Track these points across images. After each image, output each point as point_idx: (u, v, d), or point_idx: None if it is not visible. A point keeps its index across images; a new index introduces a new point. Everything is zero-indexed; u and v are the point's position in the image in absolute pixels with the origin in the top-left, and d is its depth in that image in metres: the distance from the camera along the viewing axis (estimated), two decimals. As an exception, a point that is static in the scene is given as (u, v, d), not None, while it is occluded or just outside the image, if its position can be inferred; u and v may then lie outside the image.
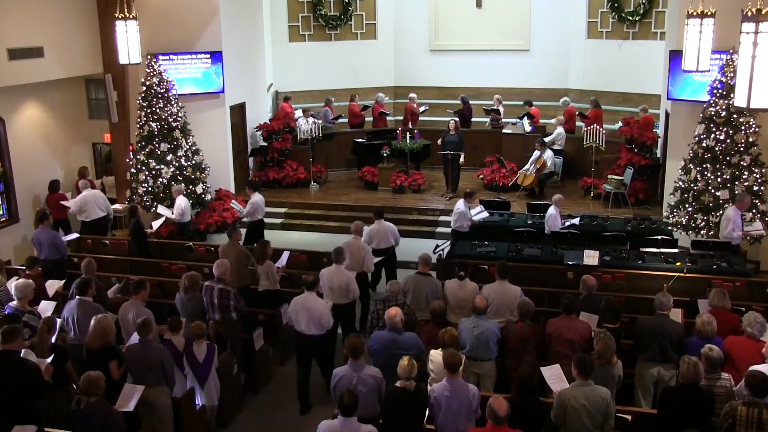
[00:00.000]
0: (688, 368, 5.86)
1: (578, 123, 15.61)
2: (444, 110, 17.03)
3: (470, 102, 16.82)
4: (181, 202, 12.07)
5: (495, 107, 16.45)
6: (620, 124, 14.50)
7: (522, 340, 7.13)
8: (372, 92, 17.91)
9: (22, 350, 6.55)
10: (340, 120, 17.06)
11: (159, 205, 12.45)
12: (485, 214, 11.46)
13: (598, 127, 13.81)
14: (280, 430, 7.91)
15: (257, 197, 12.05)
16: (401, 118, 17.03)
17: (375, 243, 10.41)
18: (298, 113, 16.28)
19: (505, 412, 5.31)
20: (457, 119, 15.45)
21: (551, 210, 11.01)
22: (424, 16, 18.39)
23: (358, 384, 6.14)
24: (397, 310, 6.94)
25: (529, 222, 11.60)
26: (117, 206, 13.45)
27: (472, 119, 16.78)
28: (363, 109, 16.95)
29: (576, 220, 11.18)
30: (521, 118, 15.75)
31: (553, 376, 6.48)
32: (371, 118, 17.09)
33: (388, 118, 17.06)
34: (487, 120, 16.63)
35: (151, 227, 11.98)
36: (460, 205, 11.23)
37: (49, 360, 6.73)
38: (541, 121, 15.98)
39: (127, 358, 6.90)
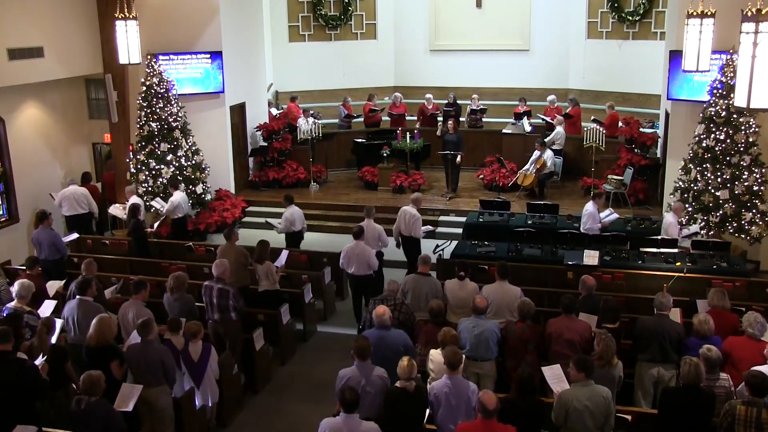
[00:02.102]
0: (690, 369, 5.86)
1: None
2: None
3: (459, 102, 16.93)
4: (132, 202, 12.08)
5: (481, 107, 16.51)
6: (593, 119, 14.62)
7: (522, 340, 7.13)
8: (372, 92, 17.91)
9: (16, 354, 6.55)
10: (357, 119, 17.06)
11: (113, 206, 12.55)
12: (615, 216, 11.09)
13: (598, 127, 13.80)
14: (280, 429, 7.91)
15: (178, 195, 12.18)
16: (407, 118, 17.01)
17: (297, 226, 11.28)
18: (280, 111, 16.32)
19: (494, 406, 5.31)
20: (451, 119, 15.46)
21: (670, 218, 10.50)
22: (424, 16, 18.39)
23: (367, 385, 6.13)
24: (385, 309, 6.96)
25: (529, 222, 11.59)
26: (117, 206, 13.45)
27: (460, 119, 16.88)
28: (370, 111, 16.91)
29: (697, 227, 10.75)
30: (520, 118, 15.76)
31: (554, 376, 6.47)
32: (387, 119, 17.10)
33: (407, 118, 16.91)
34: (464, 119, 16.76)
35: (152, 227, 11.99)
36: (588, 206, 10.87)
37: (41, 359, 6.73)
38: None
39: (128, 358, 6.90)
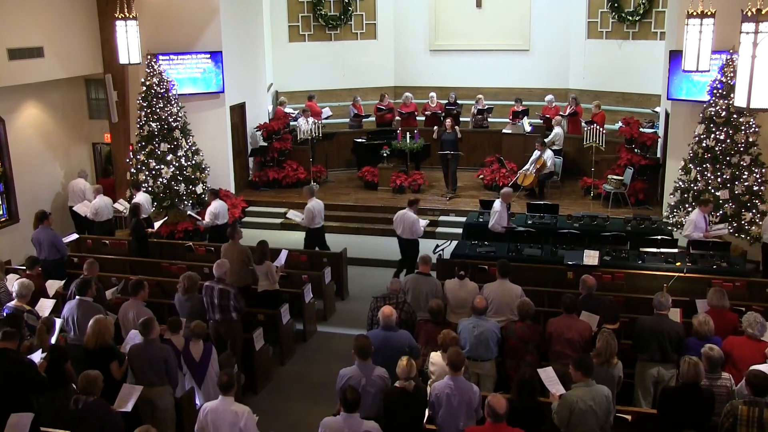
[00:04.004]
0: (689, 368, 5.86)
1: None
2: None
3: (460, 102, 16.99)
4: (98, 201, 12.22)
5: (487, 107, 16.52)
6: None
7: (522, 340, 7.13)
8: (372, 92, 17.95)
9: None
10: (366, 119, 17.06)
11: (79, 204, 12.75)
12: (724, 231, 10.52)
13: (598, 127, 13.82)
14: (280, 429, 7.89)
15: (141, 197, 12.26)
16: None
17: (220, 220, 11.77)
18: (298, 113, 16.29)
19: (503, 410, 5.31)
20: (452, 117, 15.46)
21: None
22: (424, 16, 18.39)
23: (367, 385, 6.13)
24: (392, 310, 6.94)
25: (529, 222, 11.58)
26: (117, 206, 13.45)
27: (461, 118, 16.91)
28: (378, 110, 16.92)
29: None
30: (521, 118, 15.77)
31: (548, 378, 6.48)
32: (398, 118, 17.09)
33: (418, 118, 16.91)
34: (468, 119, 16.79)
35: (152, 227, 12.00)
36: (693, 214, 10.39)
37: (42, 356, 6.74)
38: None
39: (130, 358, 6.90)
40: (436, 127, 15.63)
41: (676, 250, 10.05)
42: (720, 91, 10.92)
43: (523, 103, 16.33)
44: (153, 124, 12.85)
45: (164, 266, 10.75)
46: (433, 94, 17.05)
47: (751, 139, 10.86)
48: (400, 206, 14.03)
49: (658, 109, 15.22)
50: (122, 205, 12.60)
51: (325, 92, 17.78)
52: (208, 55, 13.89)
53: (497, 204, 11.04)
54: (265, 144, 15.57)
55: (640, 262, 9.84)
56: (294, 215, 11.85)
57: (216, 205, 11.72)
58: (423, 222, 11.02)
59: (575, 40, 17.26)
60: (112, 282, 9.75)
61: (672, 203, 11.56)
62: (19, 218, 12.56)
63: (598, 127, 13.86)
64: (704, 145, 11.05)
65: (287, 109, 16.60)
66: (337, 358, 8.95)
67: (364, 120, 17.12)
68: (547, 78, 17.49)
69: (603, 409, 5.86)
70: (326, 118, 16.69)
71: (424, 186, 15.00)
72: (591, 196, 14.26)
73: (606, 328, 7.05)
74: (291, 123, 16.07)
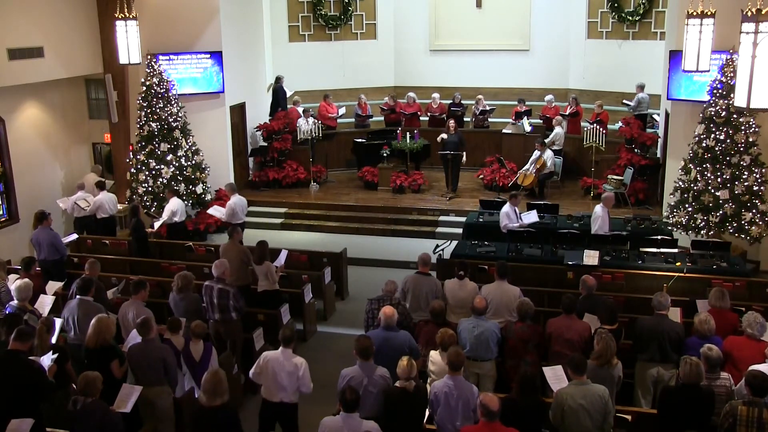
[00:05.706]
0: (690, 369, 5.86)
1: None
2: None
3: (464, 102, 16.96)
4: (78, 196, 12.36)
5: (488, 108, 16.51)
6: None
7: (522, 340, 7.13)
8: (372, 92, 17.93)
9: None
10: (371, 119, 17.08)
11: (60, 199, 12.84)
12: None
13: (598, 127, 13.82)
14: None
15: (102, 195, 12.33)
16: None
17: (178, 217, 12.10)
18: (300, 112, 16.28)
19: (496, 408, 5.32)
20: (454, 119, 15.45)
21: None
22: (424, 16, 18.39)
23: (369, 385, 6.14)
24: (393, 310, 6.95)
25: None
26: (79, 203, 13.38)
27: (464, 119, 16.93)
28: (381, 111, 16.93)
29: None
30: (521, 118, 15.77)
31: (555, 376, 6.47)
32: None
33: (421, 118, 16.94)
34: (469, 119, 16.81)
35: (152, 227, 12.01)
36: None
37: (52, 357, 6.74)
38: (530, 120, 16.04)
39: (130, 358, 6.90)
40: (440, 137, 15.35)
41: (676, 250, 10.06)
42: (720, 91, 10.91)
43: (527, 103, 16.32)
44: (153, 124, 12.85)
45: (164, 266, 10.76)
46: (435, 95, 17.03)
47: (751, 139, 10.85)
48: (400, 206, 14.17)
49: (626, 101, 15.25)
50: (85, 203, 12.57)
51: (325, 92, 17.76)
52: (208, 55, 13.89)
53: (598, 209, 10.73)
54: (265, 144, 15.57)
55: (640, 262, 9.85)
56: (215, 210, 12.20)
57: (175, 203, 11.96)
58: (525, 217, 11.03)
59: (575, 40, 17.25)
60: (113, 282, 9.75)
61: (672, 203, 11.56)
62: (19, 218, 12.57)
63: (599, 126, 13.86)
64: (704, 145, 11.04)
65: (299, 109, 16.57)
66: (337, 358, 8.95)
67: (369, 120, 17.10)
68: (547, 78, 17.48)
69: (597, 408, 5.84)
70: (339, 117, 16.72)
71: (424, 186, 14.99)
72: (591, 196, 14.25)
73: (603, 328, 7.05)
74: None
